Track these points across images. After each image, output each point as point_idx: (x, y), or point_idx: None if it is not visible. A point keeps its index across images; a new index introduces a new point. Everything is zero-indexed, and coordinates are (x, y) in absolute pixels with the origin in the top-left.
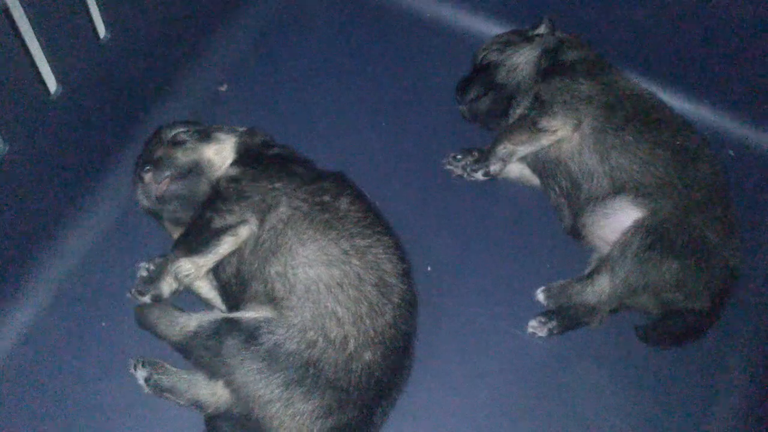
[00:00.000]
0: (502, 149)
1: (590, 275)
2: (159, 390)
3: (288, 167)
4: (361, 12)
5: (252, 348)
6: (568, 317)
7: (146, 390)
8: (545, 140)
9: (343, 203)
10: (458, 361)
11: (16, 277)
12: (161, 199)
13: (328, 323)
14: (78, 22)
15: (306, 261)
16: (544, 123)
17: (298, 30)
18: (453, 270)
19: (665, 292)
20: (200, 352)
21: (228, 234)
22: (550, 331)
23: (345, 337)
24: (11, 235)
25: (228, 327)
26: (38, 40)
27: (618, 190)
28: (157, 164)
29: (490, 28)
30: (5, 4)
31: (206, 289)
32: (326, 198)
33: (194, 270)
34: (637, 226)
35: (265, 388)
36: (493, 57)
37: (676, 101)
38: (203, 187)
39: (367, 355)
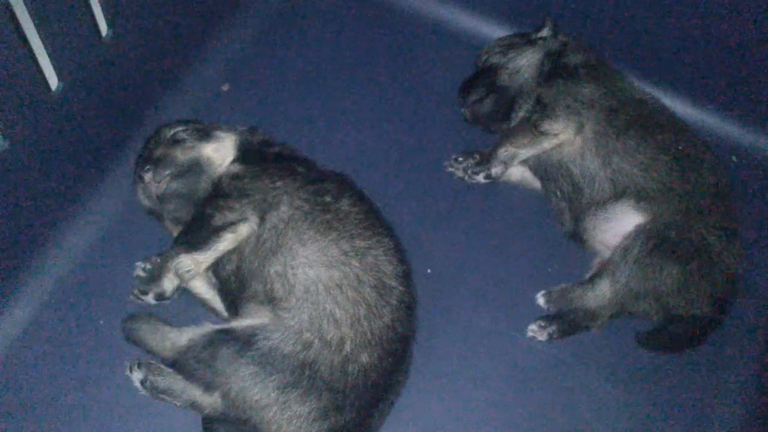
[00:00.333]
0: (503, 152)
1: (591, 280)
2: (155, 392)
3: (290, 166)
4: (364, 12)
5: (247, 354)
6: (568, 322)
7: (142, 392)
8: (547, 143)
9: (345, 204)
10: (457, 364)
11: (15, 274)
12: (162, 198)
13: (325, 325)
14: (80, 19)
15: (306, 261)
16: (546, 126)
17: (301, 31)
18: (453, 273)
19: (666, 297)
20: (193, 365)
21: (228, 231)
22: (550, 335)
23: (341, 338)
24: (10, 232)
25: (221, 338)
26: (40, 36)
27: (619, 194)
28: (156, 163)
29: (493, 31)
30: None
31: (204, 288)
32: (327, 198)
33: (194, 266)
34: (639, 231)
35: (261, 393)
36: (496, 59)
37: (679, 106)
38: (203, 185)
39: (364, 358)
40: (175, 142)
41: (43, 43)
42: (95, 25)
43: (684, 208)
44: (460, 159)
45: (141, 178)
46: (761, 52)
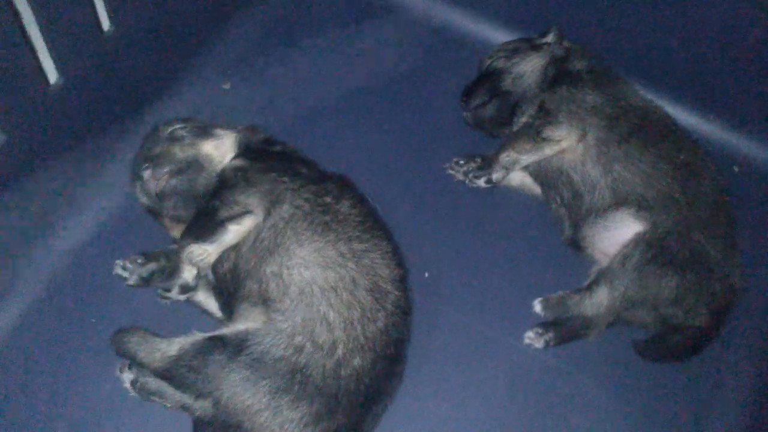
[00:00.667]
0: (505, 157)
1: (589, 287)
2: (145, 393)
3: (292, 165)
4: (367, 14)
5: (238, 359)
6: (565, 329)
7: (132, 393)
8: (549, 150)
9: (344, 206)
10: (453, 370)
11: (8, 270)
12: (161, 196)
13: (318, 328)
14: (82, 13)
15: (302, 262)
16: (548, 132)
17: (304, 31)
18: (451, 277)
19: (664, 307)
20: (184, 374)
21: (233, 223)
22: (547, 342)
23: (334, 342)
24: (4, 226)
25: (212, 344)
26: (39, 29)
27: (620, 202)
28: (155, 161)
29: (498, 35)
30: None
31: (198, 292)
32: (328, 199)
33: (205, 255)
34: (638, 240)
35: (252, 398)
36: (500, 64)
37: (682, 115)
38: (203, 182)
39: (356, 362)
40: (174, 139)
41: (43, 36)
42: (97, 20)
43: (684, 217)
44: (461, 162)
45: (140, 176)
46: (764, 63)
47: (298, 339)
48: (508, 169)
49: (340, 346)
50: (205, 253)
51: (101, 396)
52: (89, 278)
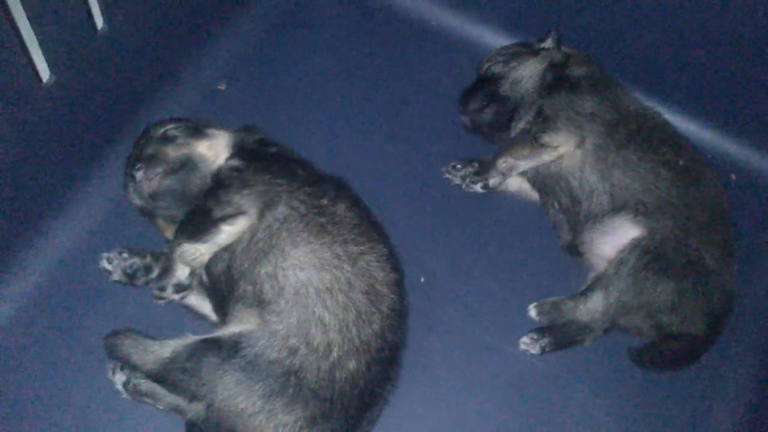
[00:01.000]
0: (502, 163)
1: (584, 293)
2: (137, 395)
3: (289, 166)
4: (365, 16)
5: (232, 361)
6: (560, 335)
7: (124, 395)
8: (547, 156)
9: (340, 208)
10: (448, 374)
11: (0, 268)
12: (154, 196)
13: (313, 330)
14: (75, 11)
15: (297, 263)
16: (546, 138)
17: (302, 32)
18: (447, 282)
19: (660, 314)
20: (178, 376)
21: (226, 223)
22: (543, 348)
23: (329, 344)
24: None
25: (206, 347)
26: (32, 26)
27: (618, 208)
28: (148, 161)
29: (497, 40)
30: None
31: (191, 295)
32: (324, 201)
33: (198, 254)
34: (634, 245)
35: (246, 401)
36: (498, 68)
37: (681, 122)
38: (196, 182)
39: (351, 364)
40: (167, 139)
41: (36, 34)
42: (91, 18)
43: (682, 224)
44: (459, 166)
45: (132, 177)
46: (763, 71)
47: (293, 341)
48: (505, 174)
49: (335, 349)
50: (197, 252)
51: (93, 397)
52: (82, 279)
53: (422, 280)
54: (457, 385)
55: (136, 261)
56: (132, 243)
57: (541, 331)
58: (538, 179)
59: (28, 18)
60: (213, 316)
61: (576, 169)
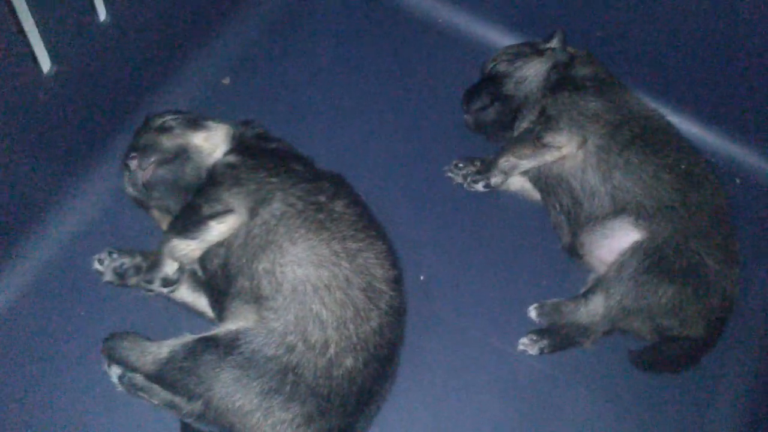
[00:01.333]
0: (504, 162)
1: (585, 295)
2: (133, 389)
3: (287, 163)
4: (371, 13)
5: (229, 358)
6: (560, 336)
7: (119, 388)
8: (549, 156)
9: (339, 205)
10: (446, 374)
11: None
12: (147, 186)
13: (311, 326)
14: (77, 1)
15: (295, 260)
16: (549, 138)
17: (307, 28)
18: (446, 280)
19: (660, 317)
20: (175, 375)
21: (216, 221)
22: (542, 349)
23: (326, 341)
24: None
25: (203, 345)
26: (33, 16)
27: (619, 210)
28: (142, 150)
29: (502, 39)
30: None
31: (187, 292)
32: (322, 198)
33: (188, 250)
34: (636, 248)
35: (244, 398)
36: (502, 68)
37: (685, 125)
38: (191, 173)
39: (349, 362)
40: (163, 130)
41: (37, 23)
42: (93, 9)
43: (683, 227)
44: (461, 165)
45: (127, 166)
46: None
47: (290, 338)
48: (507, 173)
49: (333, 346)
50: (188, 248)
51: (89, 389)
52: (80, 272)
53: (422, 278)
54: (454, 384)
55: (126, 261)
56: (133, 236)
57: (540, 332)
58: (540, 179)
59: (29, 7)
60: (210, 313)
61: (577, 170)
